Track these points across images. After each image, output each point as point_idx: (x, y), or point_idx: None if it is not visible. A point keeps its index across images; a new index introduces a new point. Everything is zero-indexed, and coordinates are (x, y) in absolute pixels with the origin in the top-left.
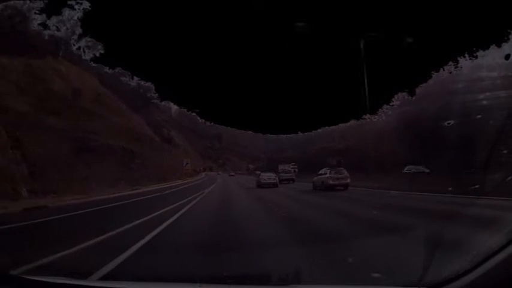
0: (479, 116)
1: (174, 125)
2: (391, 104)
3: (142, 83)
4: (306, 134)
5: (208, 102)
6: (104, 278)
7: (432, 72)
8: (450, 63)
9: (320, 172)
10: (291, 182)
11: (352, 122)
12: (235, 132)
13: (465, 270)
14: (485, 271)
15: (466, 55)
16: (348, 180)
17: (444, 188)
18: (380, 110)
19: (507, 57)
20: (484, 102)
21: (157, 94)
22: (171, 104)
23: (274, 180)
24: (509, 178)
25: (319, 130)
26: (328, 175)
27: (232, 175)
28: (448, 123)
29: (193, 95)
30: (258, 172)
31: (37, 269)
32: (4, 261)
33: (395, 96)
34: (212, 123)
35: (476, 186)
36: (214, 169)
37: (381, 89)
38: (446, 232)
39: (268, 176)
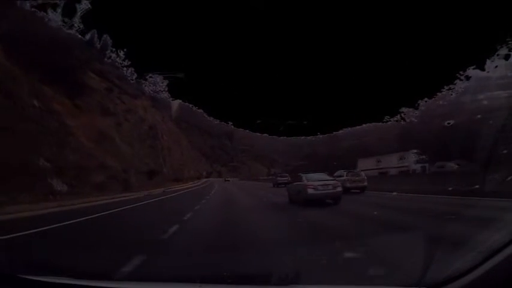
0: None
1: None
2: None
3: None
4: (326, 135)
5: (219, 99)
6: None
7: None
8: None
9: (336, 174)
10: None
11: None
12: (249, 132)
13: (465, 270)
14: (485, 271)
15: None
16: (365, 183)
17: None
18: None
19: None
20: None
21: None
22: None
23: (335, 190)
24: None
25: (340, 131)
26: (345, 177)
27: (228, 180)
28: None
29: (202, 89)
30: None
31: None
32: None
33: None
34: (222, 122)
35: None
36: (223, 174)
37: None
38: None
39: (321, 182)
